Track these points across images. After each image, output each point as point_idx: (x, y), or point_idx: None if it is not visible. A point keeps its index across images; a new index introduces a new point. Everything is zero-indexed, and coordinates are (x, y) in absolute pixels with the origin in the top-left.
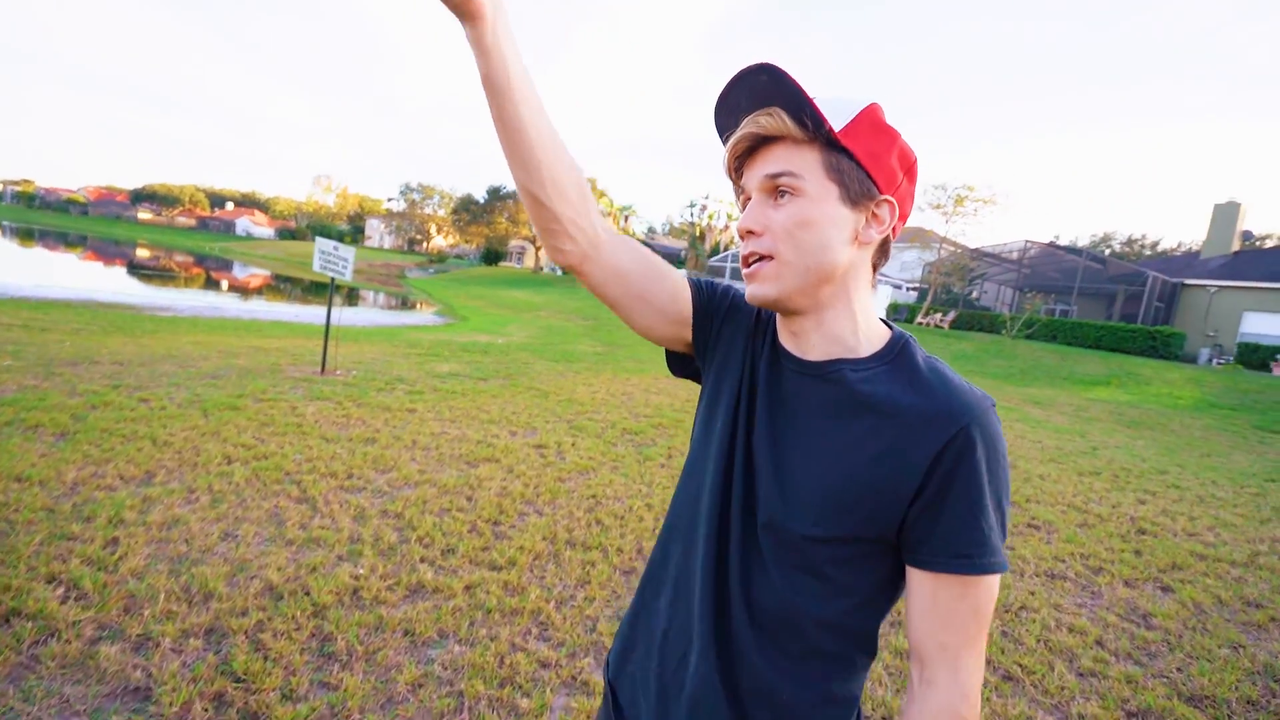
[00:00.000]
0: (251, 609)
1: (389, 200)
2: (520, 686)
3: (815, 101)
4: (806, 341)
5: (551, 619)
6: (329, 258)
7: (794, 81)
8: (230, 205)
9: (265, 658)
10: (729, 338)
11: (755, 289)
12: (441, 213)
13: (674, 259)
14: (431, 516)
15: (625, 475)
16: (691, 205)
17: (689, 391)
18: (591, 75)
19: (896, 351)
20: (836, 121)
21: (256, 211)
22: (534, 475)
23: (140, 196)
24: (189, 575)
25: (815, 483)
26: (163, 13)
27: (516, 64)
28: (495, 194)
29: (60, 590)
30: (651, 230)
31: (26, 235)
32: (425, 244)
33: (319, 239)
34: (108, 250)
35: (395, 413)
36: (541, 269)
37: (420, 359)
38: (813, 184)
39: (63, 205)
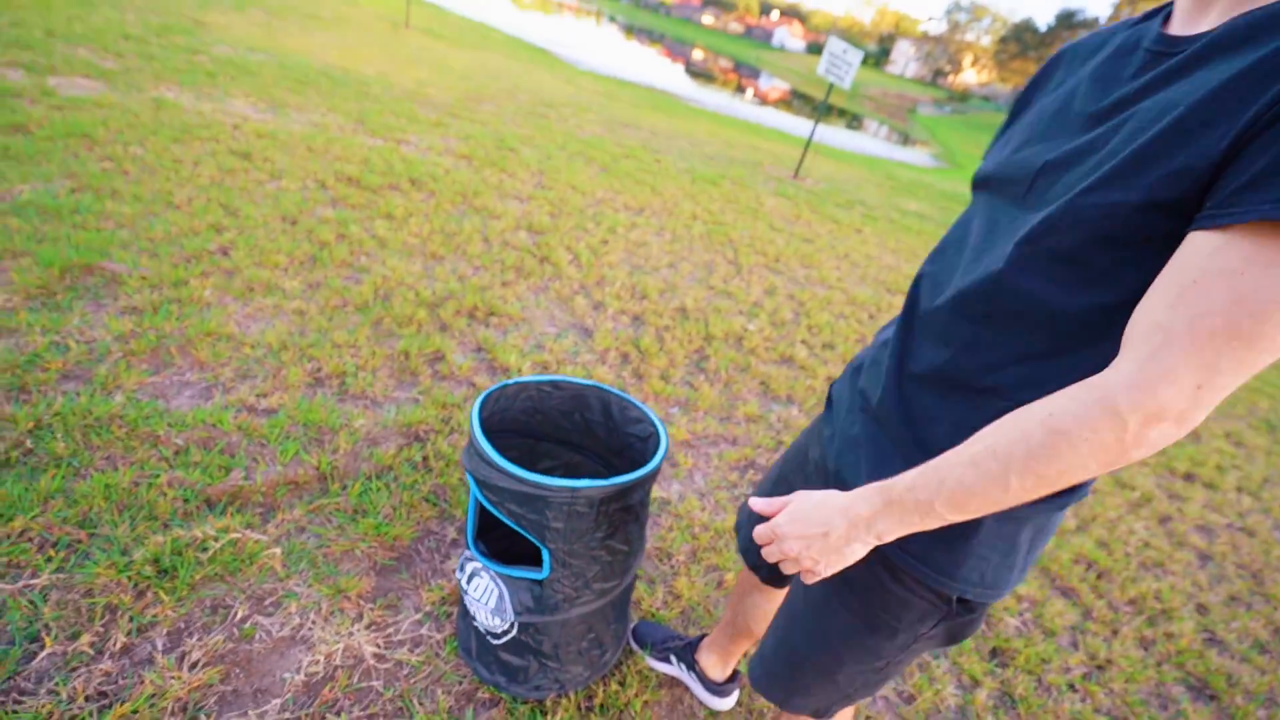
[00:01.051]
0: (665, 315)
1: (928, 20)
2: None
3: None
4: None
5: None
6: (835, 60)
7: None
8: (775, 14)
9: (661, 348)
10: (1040, 90)
11: None
12: (985, 41)
13: None
14: (829, 315)
15: None
16: None
17: None
18: None
19: None
20: None
21: (795, 22)
22: None
23: (709, 1)
24: (638, 279)
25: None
26: None
27: (961, 499)
28: (1066, 20)
29: (569, 257)
30: None
31: (628, 30)
32: (952, 77)
33: (831, 38)
34: (675, 49)
35: (842, 227)
36: None
37: (890, 192)
38: None
39: (655, 6)
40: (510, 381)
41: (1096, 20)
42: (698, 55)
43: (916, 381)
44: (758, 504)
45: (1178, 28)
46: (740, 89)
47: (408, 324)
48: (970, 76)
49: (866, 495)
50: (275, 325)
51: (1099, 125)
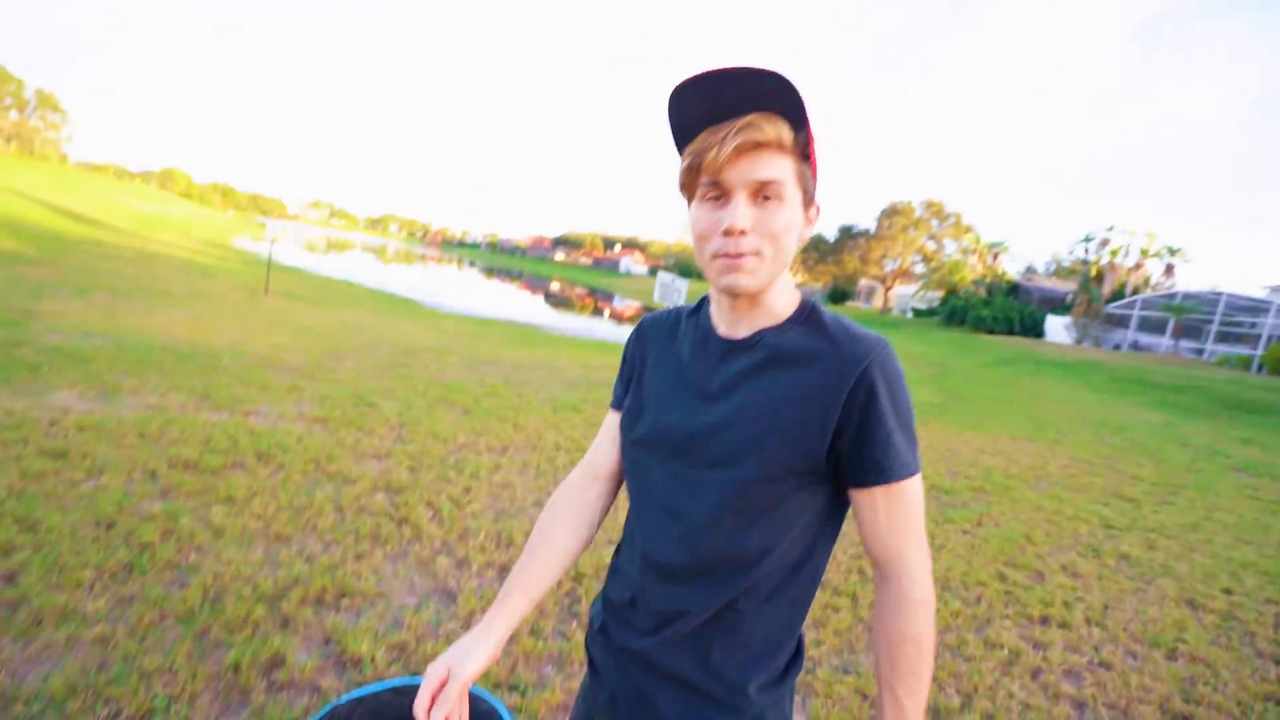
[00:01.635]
0: None
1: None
2: None
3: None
4: (740, 321)
5: None
6: (666, 287)
7: (802, 98)
8: (618, 247)
9: None
10: (645, 363)
11: (741, 280)
12: None
13: (1058, 301)
14: None
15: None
16: (1087, 240)
17: (1030, 458)
18: (970, 90)
19: (807, 313)
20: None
21: (636, 252)
22: None
23: (558, 242)
24: (503, 524)
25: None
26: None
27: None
28: (846, 233)
29: (430, 513)
30: (1030, 270)
31: (488, 271)
32: None
33: (660, 273)
34: (533, 283)
35: None
36: (889, 310)
37: None
38: (790, 191)
39: (511, 250)
40: (341, 700)
41: (867, 231)
42: (555, 286)
43: (673, 628)
44: None
45: (724, 330)
46: (598, 311)
47: (241, 628)
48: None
49: None
50: (65, 664)
51: (717, 404)
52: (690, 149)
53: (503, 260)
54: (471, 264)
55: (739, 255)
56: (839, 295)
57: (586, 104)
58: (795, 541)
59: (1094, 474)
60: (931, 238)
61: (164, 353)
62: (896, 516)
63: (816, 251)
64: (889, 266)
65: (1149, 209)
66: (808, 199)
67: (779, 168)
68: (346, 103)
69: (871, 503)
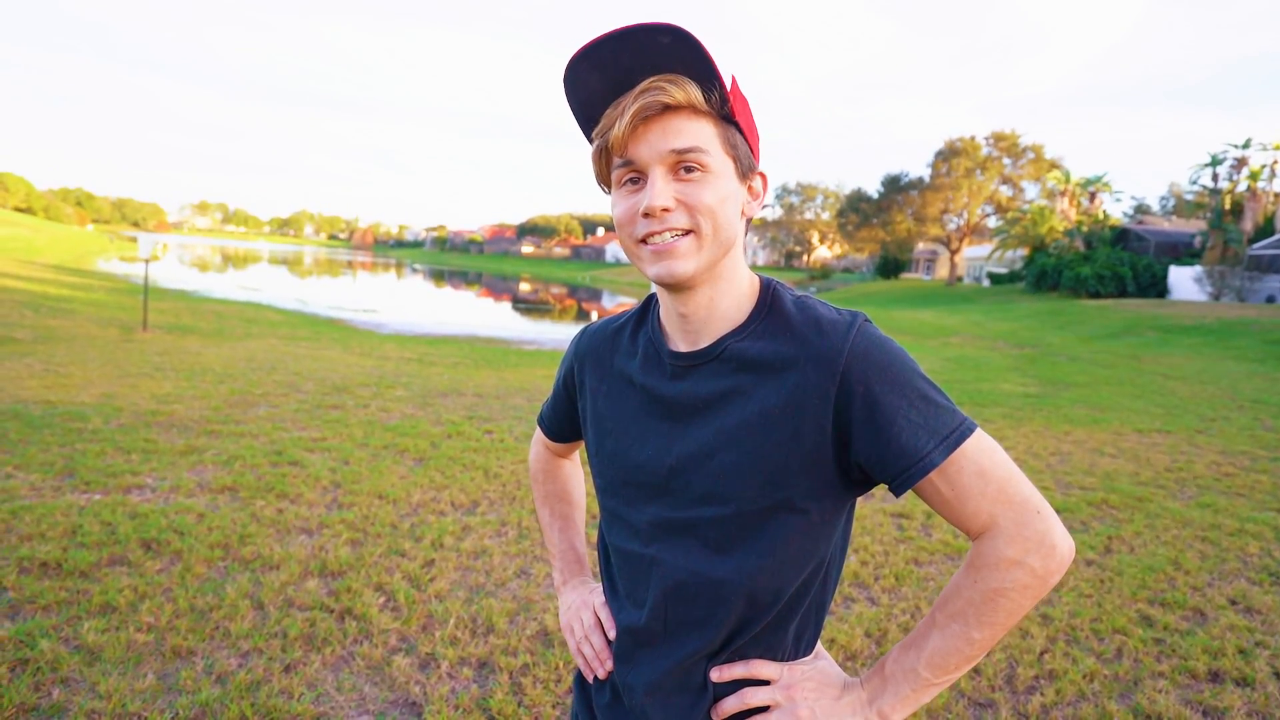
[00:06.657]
0: (521, 650)
1: (763, 207)
2: None
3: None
4: (695, 328)
5: None
6: None
7: (707, 51)
8: (601, 231)
9: (520, 703)
10: (585, 388)
11: (676, 265)
12: (826, 216)
13: (1184, 248)
14: None
15: None
16: (1214, 163)
17: (1166, 457)
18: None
19: (768, 306)
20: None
21: None
22: (881, 550)
23: (524, 230)
24: (479, 605)
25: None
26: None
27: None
28: (894, 185)
29: (382, 599)
30: (1142, 210)
31: (438, 277)
32: (806, 257)
33: None
34: (496, 286)
35: None
36: (959, 279)
37: None
38: (716, 159)
39: (465, 246)
40: None
41: (920, 180)
42: (525, 287)
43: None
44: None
45: (678, 343)
46: (583, 314)
47: None
48: (825, 252)
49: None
50: None
51: (690, 428)
52: (597, 131)
53: (455, 259)
54: (415, 268)
55: (661, 235)
56: (890, 267)
57: (537, 55)
58: (811, 569)
59: (1257, 471)
60: (1006, 181)
61: (7, 419)
62: (966, 488)
63: (857, 214)
64: (953, 224)
65: None
66: (744, 168)
67: (695, 133)
68: (233, 74)
69: (932, 491)
